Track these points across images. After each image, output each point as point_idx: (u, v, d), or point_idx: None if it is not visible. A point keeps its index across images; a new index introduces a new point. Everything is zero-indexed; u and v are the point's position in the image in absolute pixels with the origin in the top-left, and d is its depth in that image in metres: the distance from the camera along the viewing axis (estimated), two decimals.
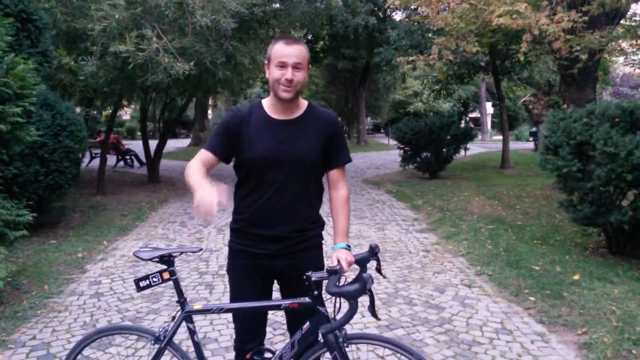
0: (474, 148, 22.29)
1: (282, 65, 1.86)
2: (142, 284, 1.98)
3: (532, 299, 4.07)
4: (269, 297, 2.09)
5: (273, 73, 1.89)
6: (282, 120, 1.97)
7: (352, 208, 8.49)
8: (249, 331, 2.08)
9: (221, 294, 4.25)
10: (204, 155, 1.99)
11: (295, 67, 1.87)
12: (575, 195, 5.08)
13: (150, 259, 1.96)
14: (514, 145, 22.11)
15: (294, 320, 2.08)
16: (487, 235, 6.23)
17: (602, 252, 5.33)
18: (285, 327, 3.42)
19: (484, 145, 27.85)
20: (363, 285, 1.70)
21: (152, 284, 1.98)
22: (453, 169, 13.87)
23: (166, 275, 1.97)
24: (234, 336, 2.16)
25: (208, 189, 1.69)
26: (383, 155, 20.58)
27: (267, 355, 2.09)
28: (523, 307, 3.93)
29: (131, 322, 3.68)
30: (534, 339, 3.37)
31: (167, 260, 1.97)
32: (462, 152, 14.51)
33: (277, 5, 10.20)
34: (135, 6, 6.92)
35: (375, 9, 19.82)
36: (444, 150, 12.38)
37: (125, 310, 3.92)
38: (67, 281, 4.60)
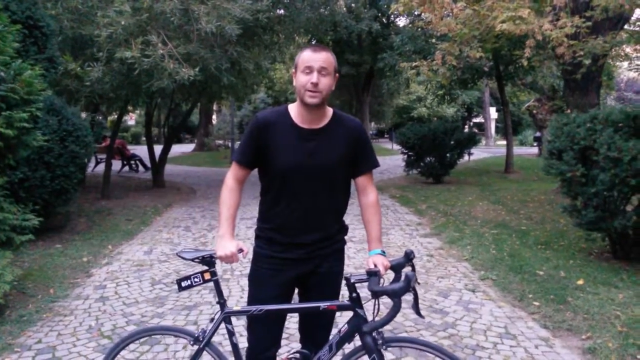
0: (478, 153, 22.26)
1: (309, 71, 1.87)
2: (183, 284, 2.01)
3: (536, 303, 4.07)
4: (289, 302, 2.08)
5: (300, 79, 1.89)
6: (309, 130, 1.96)
7: (355, 213, 8.47)
8: (267, 339, 2.05)
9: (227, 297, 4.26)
10: (235, 169, 2.03)
11: (321, 72, 1.87)
12: (579, 200, 5.07)
13: (193, 259, 1.98)
14: (518, 150, 22.07)
15: (308, 322, 2.10)
16: (491, 240, 6.22)
17: (606, 257, 5.32)
18: (287, 330, 3.43)
19: (488, 150, 27.79)
20: (407, 283, 1.71)
21: (194, 284, 2.01)
22: (457, 174, 13.85)
23: (207, 276, 1.99)
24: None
25: (228, 241, 1.92)
26: (387, 160, 20.57)
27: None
28: (527, 312, 3.93)
29: (136, 325, 3.69)
30: (538, 343, 3.37)
31: (208, 261, 1.98)
32: (466, 157, 14.49)
33: (282, 11, 10.27)
34: (140, 13, 6.99)
35: (379, 14, 19.90)
36: (448, 155, 12.37)
37: (130, 314, 3.94)
38: (72, 285, 4.63)
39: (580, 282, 4.49)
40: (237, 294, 4.29)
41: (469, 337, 3.48)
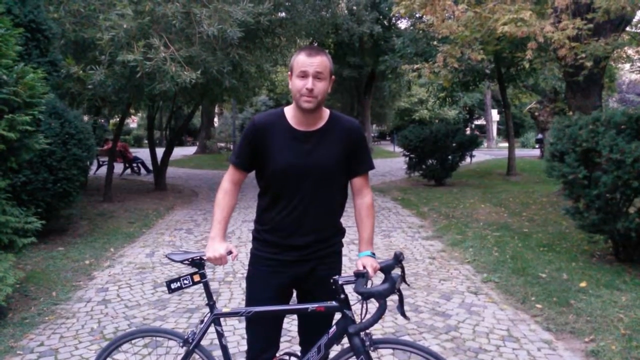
0: (480, 155, 22.25)
1: (304, 75, 1.86)
2: (173, 285, 2.01)
3: (539, 306, 4.06)
4: (286, 304, 2.07)
5: (295, 83, 1.88)
6: (305, 132, 1.96)
7: None
8: (265, 340, 2.05)
9: (227, 300, 4.26)
10: (232, 172, 2.04)
11: (316, 76, 1.86)
12: (582, 202, 5.05)
13: (182, 261, 1.98)
14: (519, 152, 22.07)
15: (306, 323, 2.09)
16: (494, 242, 6.21)
17: (609, 259, 5.30)
18: (289, 333, 3.43)
19: (490, 152, 27.78)
20: (392, 285, 1.72)
21: (183, 285, 2.01)
22: (459, 176, 13.85)
23: (197, 278, 2.00)
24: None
25: (218, 243, 1.92)
26: (389, 162, 20.59)
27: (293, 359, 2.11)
28: (530, 315, 3.92)
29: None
30: (541, 346, 3.36)
31: (198, 263, 1.98)
32: (468, 159, 14.49)
33: (283, 14, 10.28)
34: (143, 16, 7.00)
35: (381, 17, 19.92)
36: (450, 157, 12.38)
37: (132, 317, 3.94)
38: (74, 288, 4.63)
39: (583, 284, 4.48)
40: (239, 297, 4.29)
41: (471, 339, 3.47)
